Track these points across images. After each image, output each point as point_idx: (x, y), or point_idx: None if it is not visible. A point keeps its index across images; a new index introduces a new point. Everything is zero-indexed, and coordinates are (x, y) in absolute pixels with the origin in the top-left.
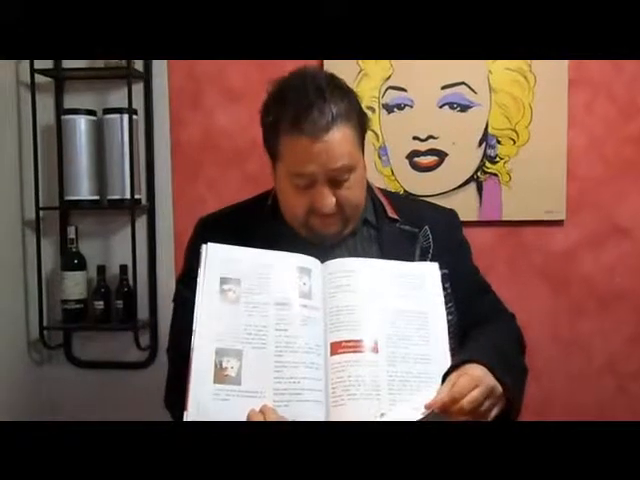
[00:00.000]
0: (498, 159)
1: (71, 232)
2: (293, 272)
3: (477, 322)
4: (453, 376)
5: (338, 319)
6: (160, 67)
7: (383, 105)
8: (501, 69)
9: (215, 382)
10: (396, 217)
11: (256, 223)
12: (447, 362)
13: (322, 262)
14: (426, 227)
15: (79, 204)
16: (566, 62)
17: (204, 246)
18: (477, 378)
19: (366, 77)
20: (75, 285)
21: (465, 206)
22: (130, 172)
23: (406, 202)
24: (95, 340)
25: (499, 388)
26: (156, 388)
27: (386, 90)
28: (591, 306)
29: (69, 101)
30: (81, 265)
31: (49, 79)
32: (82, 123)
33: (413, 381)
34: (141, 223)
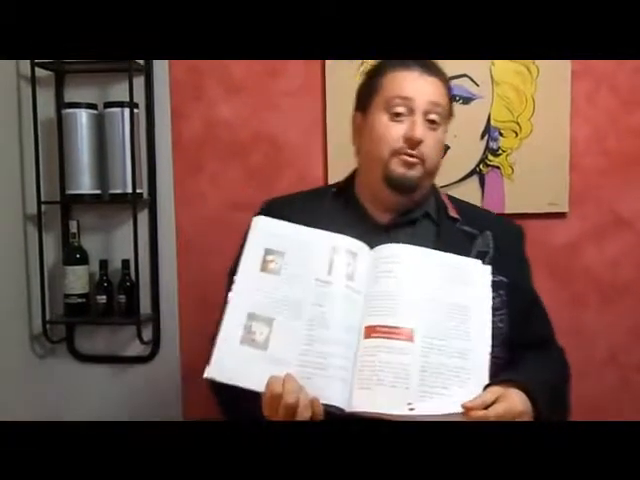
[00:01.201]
0: (500, 151)
1: (73, 226)
2: (339, 252)
3: (529, 344)
4: (497, 391)
5: (376, 304)
6: (161, 60)
7: None
8: (503, 61)
9: (241, 343)
10: (457, 217)
11: (319, 206)
12: (485, 361)
13: (372, 248)
14: (488, 232)
15: (81, 198)
16: None
17: (254, 218)
18: (514, 410)
19: None
20: (77, 279)
21: (467, 199)
22: (132, 166)
23: (471, 208)
24: (97, 334)
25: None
26: (158, 382)
27: None
28: (594, 298)
29: (70, 95)
30: (83, 259)
31: (50, 72)
32: (83, 117)
33: (447, 375)
34: (143, 217)
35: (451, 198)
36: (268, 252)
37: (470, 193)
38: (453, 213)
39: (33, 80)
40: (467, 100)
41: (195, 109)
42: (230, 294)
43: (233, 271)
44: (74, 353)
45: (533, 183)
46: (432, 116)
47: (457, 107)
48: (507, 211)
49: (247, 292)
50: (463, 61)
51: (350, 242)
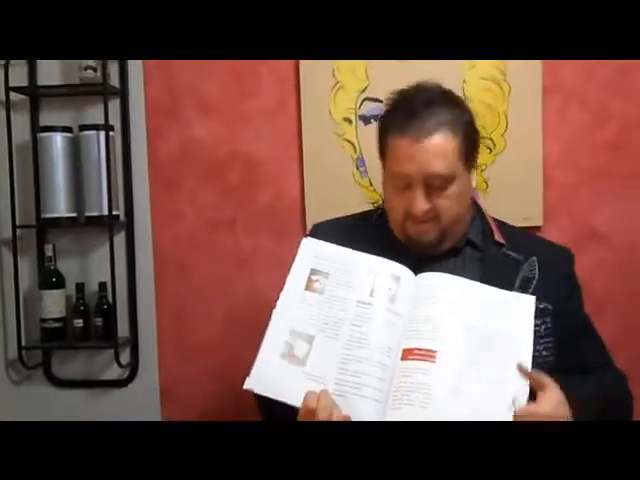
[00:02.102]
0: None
1: (49, 250)
2: (382, 276)
3: (581, 368)
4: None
5: (416, 326)
6: (136, 82)
7: (360, 116)
8: (476, 78)
9: (282, 358)
10: (502, 242)
11: (364, 231)
12: (524, 390)
13: (416, 274)
14: (533, 258)
15: (56, 222)
16: (540, 70)
17: (303, 240)
18: (545, 414)
19: (342, 89)
20: (53, 303)
21: None
22: (107, 188)
23: (517, 231)
24: (75, 359)
25: None
26: (138, 405)
27: (362, 101)
28: None
29: (45, 118)
30: (59, 283)
31: (24, 97)
32: (58, 140)
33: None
34: (120, 239)
35: (497, 221)
36: (313, 272)
37: None
38: (499, 237)
39: (8, 104)
40: None
41: (171, 129)
42: (274, 310)
43: None
44: (51, 378)
45: (508, 198)
46: (436, 184)
47: None
48: None
49: (290, 309)
50: (436, 79)
51: (394, 266)
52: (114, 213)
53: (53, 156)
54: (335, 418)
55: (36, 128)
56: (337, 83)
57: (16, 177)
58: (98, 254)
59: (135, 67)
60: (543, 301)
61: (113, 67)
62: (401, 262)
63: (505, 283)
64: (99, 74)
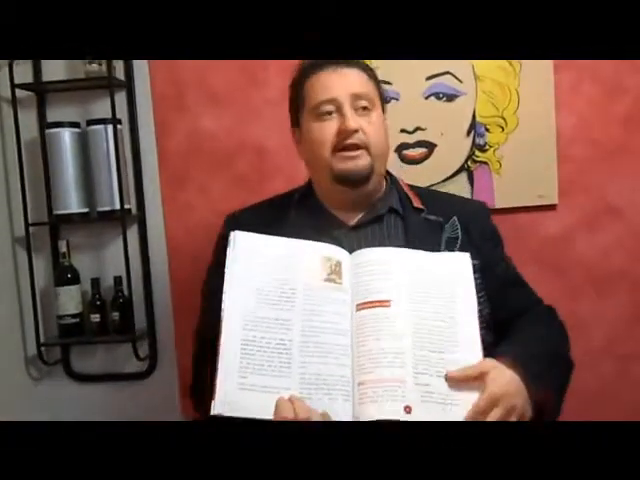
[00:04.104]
0: (487, 147)
1: (62, 246)
2: (320, 260)
3: (514, 315)
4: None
5: (364, 296)
6: (141, 74)
7: None
8: None
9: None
10: (422, 207)
11: (284, 214)
12: (476, 350)
13: (350, 252)
14: (454, 218)
15: (69, 218)
16: None
17: (232, 234)
18: (500, 392)
19: None
20: (70, 299)
21: None
22: (118, 182)
23: (433, 194)
24: (93, 353)
25: (525, 397)
26: (157, 398)
27: None
28: (588, 289)
29: (52, 114)
30: (75, 279)
31: (30, 93)
32: (66, 136)
33: (438, 366)
34: (132, 232)
35: (413, 188)
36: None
37: (459, 190)
38: (417, 203)
39: (14, 101)
40: (451, 97)
41: (179, 121)
42: (222, 312)
43: (211, 271)
44: (70, 374)
45: (522, 177)
46: (360, 104)
47: (442, 105)
48: (497, 206)
49: (238, 317)
50: None
51: (331, 249)
52: (126, 207)
53: (62, 152)
54: (314, 418)
55: (44, 124)
56: None
57: (26, 175)
58: (112, 248)
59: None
60: (471, 258)
61: (118, 60)
62: (329, 238)
63: (431, 246)
64: (104, 67)
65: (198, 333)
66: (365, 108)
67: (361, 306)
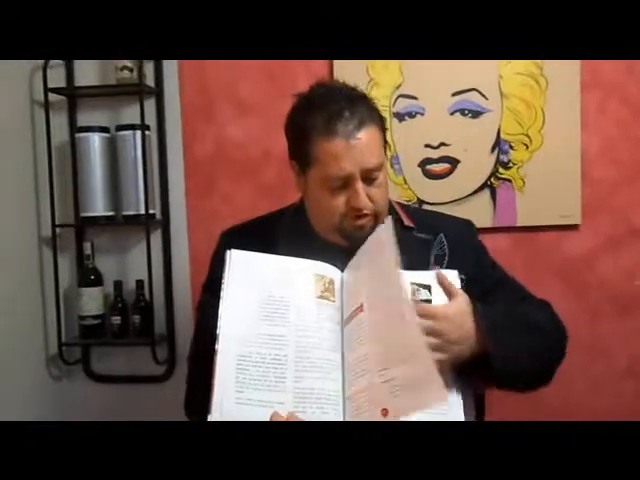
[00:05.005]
0: (511, 164)
1: (87, 248)
2: (314, 278)
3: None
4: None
5: (349, 305)
6: (171, 82)
7: (394, 114)
8: (512, 74)
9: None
10: (411, 225)
11: (280, 232)
12: None
13: (342, 271)
14: (441, 235)
15: (94, 220)
16: (578, 64)
17: (228, 252)
18: (445, 315)
19: (376, 86)
20: (92, 301)
21: (479, 213)
22: (144, 187)
23: (421, 212)
24: (113, 355)
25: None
26: (174, 402)
27: (397, 98)
28: (610, 310)
29: (82, 119)
30: (98, 281)
31: (62, 97)
32: (96, 140)
33: (396, 355)
34: (156, 237)
35: (404, 207)
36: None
37: (482, 207)
38: (407, 222)
39: (46, 105)
40: (477, 114)
41: (206, 129)
42: (218, 329)
43: (207, 288)
44: (90, 374)
45: (545, 195)
46: (372, 175)
47: (467, 121)
48: (519, 224)
49: (234, 333)
50: (471, 75)
51: (325, 268)
52: (150, 212)
53: (91, 156)
54: None
55: (74, 128)
56: (371, 80)
57: (55, 177)
58: (135, 252)
59: (170, 67)
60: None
61: (149, 67)
62: (325, 257)
63: (419, 264)
64: (135, 74)
65: (193, 348)
66: (375, 178)
67: (347, 320)
